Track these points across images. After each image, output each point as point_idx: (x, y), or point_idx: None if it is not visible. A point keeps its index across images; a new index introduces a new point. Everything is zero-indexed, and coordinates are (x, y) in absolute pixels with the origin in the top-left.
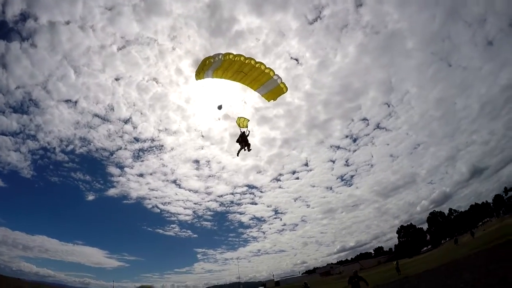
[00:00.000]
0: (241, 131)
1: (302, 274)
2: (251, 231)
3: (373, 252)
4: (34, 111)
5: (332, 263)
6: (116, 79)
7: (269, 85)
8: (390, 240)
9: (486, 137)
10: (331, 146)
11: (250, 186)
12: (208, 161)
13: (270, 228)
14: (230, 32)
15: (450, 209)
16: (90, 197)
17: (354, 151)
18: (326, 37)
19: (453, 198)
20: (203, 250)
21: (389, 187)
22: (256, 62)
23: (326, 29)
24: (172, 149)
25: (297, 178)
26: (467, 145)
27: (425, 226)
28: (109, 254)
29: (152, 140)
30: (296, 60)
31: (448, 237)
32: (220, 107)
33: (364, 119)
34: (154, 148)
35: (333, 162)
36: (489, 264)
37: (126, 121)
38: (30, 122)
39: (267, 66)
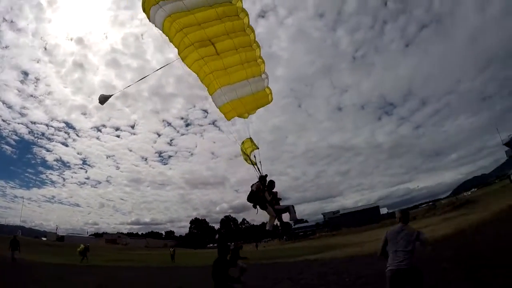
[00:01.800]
0: (260, 173)
1: (89, 235)
2: (52, 174)
3: (163, 234)
4: None
5: (121, 233)
6: None
7: (247, 85)
8: (183, 228)
9: (298, 175)
10: (163, 120)
11: (69, 125)
12: (38, 79)
13: (72, 177)
14: None
15: (244, 219)
16: None
17: (183, 134)
18: None
19: (250, 211)
20: None
21: (199, 180)
22: (254, 41)
23: None
24: (6, 47)
25: (118, 136)
26: (280, 174)
27: (217, 226)
28: None
29: None
30: None
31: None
32: (103, 100)
33: (205, 111)
34: None
35: (159, 135)
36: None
37: None
38: None
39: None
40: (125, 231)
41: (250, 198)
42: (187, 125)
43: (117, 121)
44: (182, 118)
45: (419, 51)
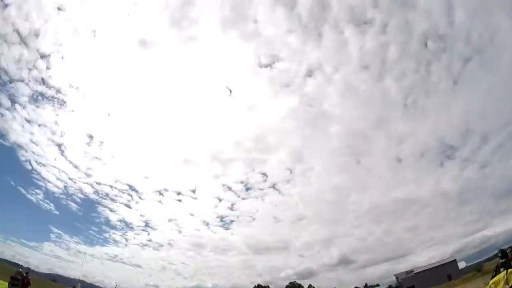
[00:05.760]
0: None
1: None
2: (115, 233)
3: None
4: None
5: None
6: (59, 9)
7: None
8: None
9: (364, 235)
10: (224, 185)
11: (132, 188)
12: (102, 142)
13: (134, 238)
14: (187, 30)
15: (310, 285)
16: None
17: (244, 199)
18: (267, 86)
19: (317, 277)
20: (59, 231)
21: (262, 245)
22: None
23: (270, 80)
24: (73, 111)
25: (180, 201)
26: (345, 236)
27: None
28: None
29: (58, 91)
30: (230, 91)
31: None
32: None
33: (264, 174)
34: (55, 100)
35: (220, 200)
36: None
37: (43, 57)
38: None
39: None
40: None
41: None
42: (247, 189)
43: (178, 185)
44: (242, 182)
45: (469, 85)
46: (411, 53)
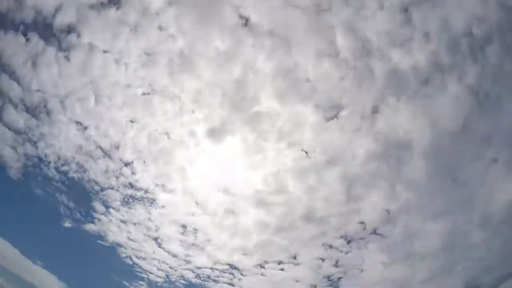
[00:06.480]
0: None
1: None
2: None
3: None
4: (44, 119)
5: None
6: (131, 121)
7: None
8: None
9: (483, 253)
10: (323, 244)
11: (232, 266)
12: (196, 230)
13: None
14: (250, 111)
15: None
16: (67, 224)
17: (347, 252)
18: (339, 137)
19: None
20: None
21: None
22: None
23: (340, 129)
24: (163, 206)
25: (282, 269)
26: (464, 260)
27: None
28: None
29: (146, 191)
30: (306, 152)
31: None
32: None
33: (362, 223)
34: (145, 199)
35: (323, 260)
36: None
37: (127, 164)
38: (37, 127)
39: None
40: None
41: None
42: (348, 242)
43: (278, 255)
44: (341, 237)
45: None
46: (459, 48)
